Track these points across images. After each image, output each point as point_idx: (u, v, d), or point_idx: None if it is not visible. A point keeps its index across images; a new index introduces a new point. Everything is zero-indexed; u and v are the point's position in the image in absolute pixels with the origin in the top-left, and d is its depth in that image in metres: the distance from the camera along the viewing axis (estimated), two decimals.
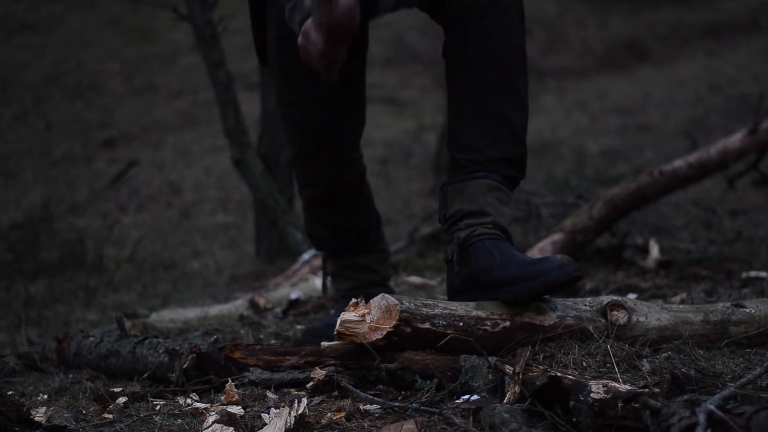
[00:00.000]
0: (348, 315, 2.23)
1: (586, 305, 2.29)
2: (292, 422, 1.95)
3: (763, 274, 3.61)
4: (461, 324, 2.21)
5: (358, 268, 2.93)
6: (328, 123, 2.70)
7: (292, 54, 2.50)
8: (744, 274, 3.66)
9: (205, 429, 2.01)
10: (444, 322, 2.21)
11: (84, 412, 2.26)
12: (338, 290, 3.04)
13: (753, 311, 2.36)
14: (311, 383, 2.23)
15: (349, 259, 2.92)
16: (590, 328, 2.24)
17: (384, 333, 2.20)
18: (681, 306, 2.42)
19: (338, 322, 2.24)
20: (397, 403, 2.09)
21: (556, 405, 1.87)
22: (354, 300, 2.26)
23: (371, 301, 2.24)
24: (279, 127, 4.82)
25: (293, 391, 2.25)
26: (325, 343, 2.30)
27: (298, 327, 3.20)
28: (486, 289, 2.30)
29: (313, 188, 2.83)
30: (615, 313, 2.27)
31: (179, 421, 2.11)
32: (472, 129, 2.44)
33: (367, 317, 2.23)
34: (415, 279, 4.00)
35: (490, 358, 2.08)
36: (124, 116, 10.12)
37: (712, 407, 1.62)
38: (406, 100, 10.20)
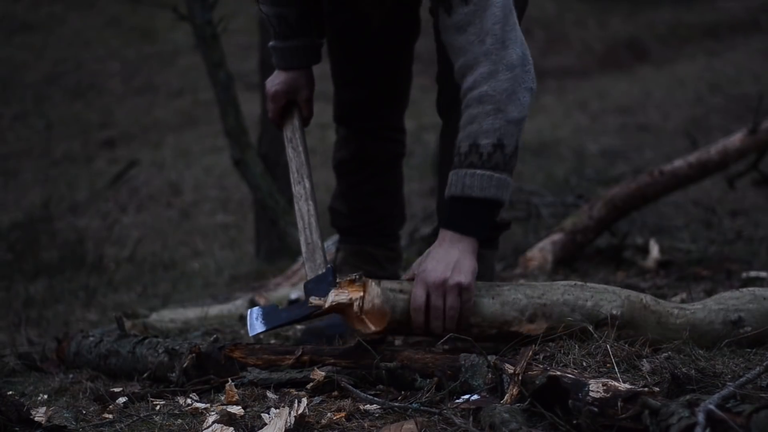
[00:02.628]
0: (340, 296, 2.23)
1: None
2: (292, 422, 1.95)
3: (763, 274, 3.61)
4: None
5: (366, 258, 2.93)
6: (357, 97, 2.85)
7: (334, 28, 2.78)
8: (744, 274, 3.66)
9: (205, 429, 2.01)
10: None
11: (84, 412, 2.26)
12: None
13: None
14: (311, 384, 2.23)
15: (359, 245, 2.94)
16: (590, 328, 2.24)
17: (371, 330, 2.23)
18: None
19: (329, 299, 2.23)
20: (397, 403, 2.09)
21: (555, 404, 1.87)
22: (349, 277, 2.24)
23: (369, 286, 2.23)
24: None
25: (293, 391, 2.25)
26: (313, 299, 2.29)
27: (298, 327, 3.20)
28: None
29: (343, 150, 2.94)
30: None
31: (179, 421, 2.11)
32: (444, 195, 2.61)
33: (356, 302, 2.22)
34: None
35: (489, 357, 2.08)
36: (124, 116, 10.12)
37: (711, 407, 1.62)
38: None
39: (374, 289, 2.22)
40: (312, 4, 2.70)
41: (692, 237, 4.73)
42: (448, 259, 2.22)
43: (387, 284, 2.25)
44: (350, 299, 2.22)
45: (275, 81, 2.72)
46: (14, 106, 10.26)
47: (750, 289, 2.39)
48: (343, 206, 2.97)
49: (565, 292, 2.26)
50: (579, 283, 2.31)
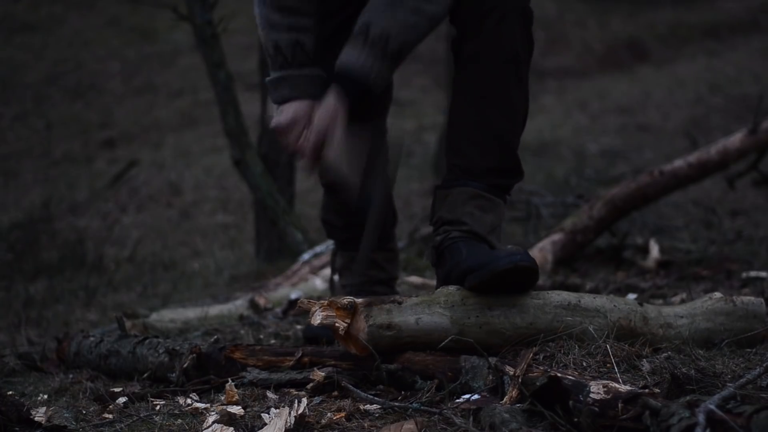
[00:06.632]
0: (327, 319, 2.22)
1: None
2: (292, 422, 1.95)
3: (763, 274, 3.61)
4: None
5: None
6: None
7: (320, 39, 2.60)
8: (744, 274, 3.66)
9: (205, 429, 2.01)
10: None
11: (84, 412, 2.26)
12: (344, 286, 3.03)
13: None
14: (311, 384, 2.23)
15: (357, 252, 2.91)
16: (590, 328, 2.23)
17: (353, 352, 2.25)
18: None
19: (316, 318, 2.23)
20: (397, 403, 2.09)
21: (556, 405, 1.87)
22: (341, 300, 2.22)
23: (357, 319, 2.21)
24: None
25: (293, 391, 2.25)
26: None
27: (298, 327, 3.20)
28: (457, 284, 2.30)
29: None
30: None
31: (179, 421, 2.11)
32: (462, 136, 2.47)
33: (340, 329, 2.21)
34: (415, 279, 4.00)
35: (490, 359, 2.08)
36: (124, 116, 10.13)
37: (711, 407, 1.62)
38: (406, 100, 10.19)
39: (361, 323, 2.20)
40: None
41: (692, 237, 4.73)
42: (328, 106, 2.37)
43: (377, 320, 2.20)
44: (336, 324, 2.22)
45: (291, 112, 2.45)
46: (14, 106, 10.26)
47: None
48: (338, 220, 2.91)
49: (555, 317, 2.24)
50: (573, 301, 2.26)
